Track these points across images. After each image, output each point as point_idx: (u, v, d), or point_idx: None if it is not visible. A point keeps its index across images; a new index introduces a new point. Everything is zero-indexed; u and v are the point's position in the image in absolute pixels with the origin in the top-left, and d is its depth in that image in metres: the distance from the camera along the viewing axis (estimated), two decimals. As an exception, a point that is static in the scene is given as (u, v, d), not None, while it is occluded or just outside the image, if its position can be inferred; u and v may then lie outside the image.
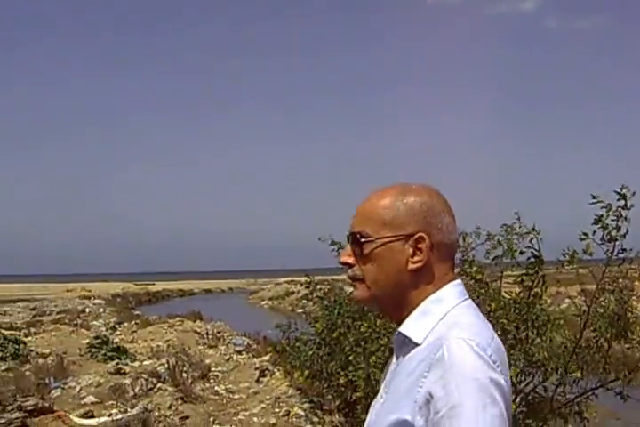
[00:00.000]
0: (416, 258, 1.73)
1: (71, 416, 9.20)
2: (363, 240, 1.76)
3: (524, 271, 6.79)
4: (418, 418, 1.59)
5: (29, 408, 9.47)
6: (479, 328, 1.68)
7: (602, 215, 6.10)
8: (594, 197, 6.06)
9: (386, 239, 1.74)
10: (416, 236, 1.73)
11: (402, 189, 1.80)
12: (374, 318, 8.33)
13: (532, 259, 6.64)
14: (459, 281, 1.80)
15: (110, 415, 9.31)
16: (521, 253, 6.72)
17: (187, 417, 9.52)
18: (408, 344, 1.73)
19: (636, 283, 7.13)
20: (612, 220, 6.10)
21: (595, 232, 6.23)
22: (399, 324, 1.77)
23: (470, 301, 1.79)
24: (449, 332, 1.64)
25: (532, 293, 6.92)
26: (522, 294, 6.97)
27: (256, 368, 12.72)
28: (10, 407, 9.61)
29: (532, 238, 6.54)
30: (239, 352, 15.43)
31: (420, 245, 1.73)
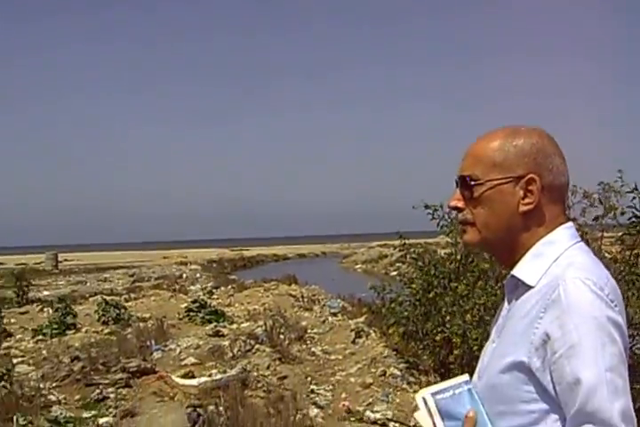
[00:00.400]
0: (527, 200, 1.71)
1: (173, 377, 9.41)
2: (472, 183, 1.74)
3: (625, 231, 6.62)
4: (534, 359, 1.60)
5: (132, 369, 9.75)
6: (594, 268, 1.65)
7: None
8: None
9: (496, 182, 1.72)
10: (527, 177, 1.70)
11: (511, 131, 1.76)
12: (472, 278, 8.28)
13: (634, 219, 6.46)
14: (570, 223, 1.77)
15: (210, 376, 9.49)
16: (622, 213, 6.56)
17: (284, 377, 9.63)
18: (521, 287, 1.71)
19: None
20: None
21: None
22: (511, 267, 1.75)
23: (582, 243, 1.75)
24: (564, 273, 1.62)
25: (634, 253, 6.74)
26: (622, 254, 6.80)
27: (351, 330, 12.76)
28: (114, 369, 9.93)
29: (635, 198, 6.36)
30: (334, 314, 15.50)
31: (530, 187, 1.70)
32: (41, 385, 9.45)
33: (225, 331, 13.23)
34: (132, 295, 21.82)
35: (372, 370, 9.95)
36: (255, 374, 9.58)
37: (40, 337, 13.54)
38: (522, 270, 1.71)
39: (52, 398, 9.11)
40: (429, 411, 1.71)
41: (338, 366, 10.69)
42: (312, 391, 9.22)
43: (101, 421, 8.16)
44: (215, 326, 13.63)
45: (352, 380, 9.67)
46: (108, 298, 17.08)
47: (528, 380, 1.62)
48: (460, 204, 1.77)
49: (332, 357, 11.41)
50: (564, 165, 1.77)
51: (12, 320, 16.19)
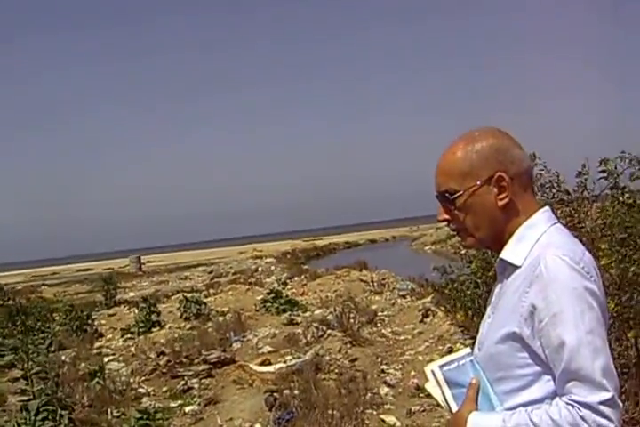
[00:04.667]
0: (502, 195, 1.92)
1: (251, 365, 9.98)
2: (452, 197, 1.96)
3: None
4: (525, 329, 1.85)
5: (213, 360, 10.40)
6: (571, 245, 1.91)
7: None
8: None
9: (472, 189, 1.94)
10: (495, 177, 1.92)
11: (467, 138, 1.98)
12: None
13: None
14: (547, 208, 2.01)
15: (285, 362, 10.03)
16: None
17: (355, 359, 10.10)
18: (509, 268, 1.96)
19: None
20: None
21: None
22: (498, 252, 1.99)
23: (559, 224, 2.00)
24: (545, 251, 1.86)
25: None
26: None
27: (419, 310, 13.12)
28: (197, 361, 10.58)
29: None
30: (403, 296, 15.90)
31: (502, 184, 1.92)
32: (131, 380, 10.17)
33: (299, 319, 13.76)
34: (212, 291, 22.48)
35: (440, 347, 10.34)
36: (328, 357, 10.07)
37: (128, 336, 14.38)
38: (508, 253, 1.95)
39: (142, 390, 9.82)
40: (438, 382, 2.00)
41: (407, 345, 11.13)
42: (382, 371, 9.66)
43: (187, 409, 8.78)
44: (290, 315, 14.17)
45: (420, 358, 10.07)
46: (188, 295, 17.73)
47: (521, 347, 1.84)
48: (447, 216, 2.01)
49: (402, 337, 11.84)
50: (522, 152, 1.99)
51: (103, 322, 17.15)
